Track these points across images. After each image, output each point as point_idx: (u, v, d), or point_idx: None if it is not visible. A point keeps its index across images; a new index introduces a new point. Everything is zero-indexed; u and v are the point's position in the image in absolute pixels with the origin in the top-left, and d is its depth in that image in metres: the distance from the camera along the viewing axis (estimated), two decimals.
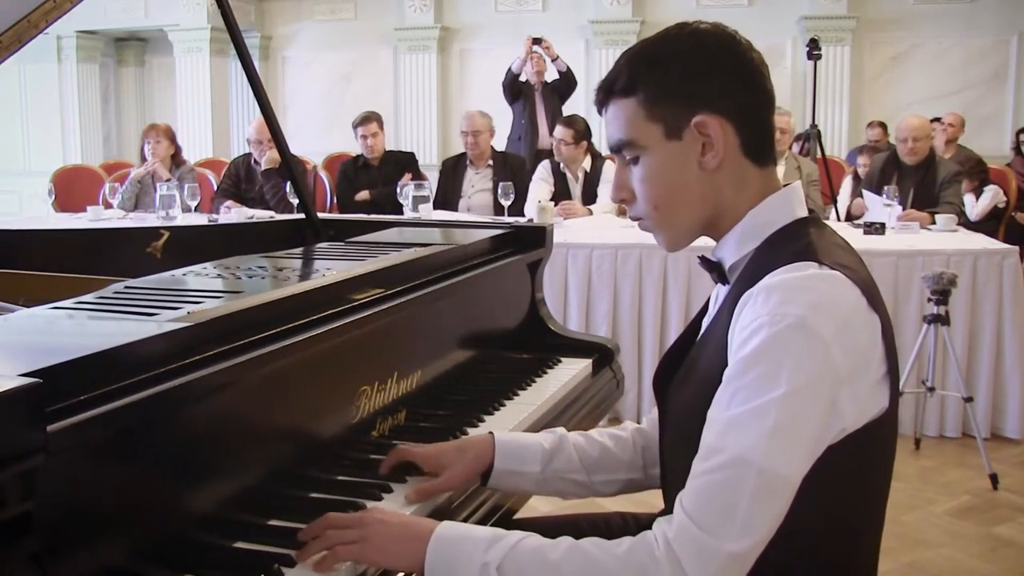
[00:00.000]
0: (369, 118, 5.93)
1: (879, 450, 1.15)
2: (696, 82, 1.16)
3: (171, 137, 5.92)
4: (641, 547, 1.03)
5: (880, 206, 4.77)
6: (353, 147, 6.48)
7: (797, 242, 1.14)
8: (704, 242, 1.25)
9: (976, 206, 5.96)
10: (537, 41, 6.69)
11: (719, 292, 1.27)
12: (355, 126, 5.94)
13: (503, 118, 6.77)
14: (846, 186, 6.14)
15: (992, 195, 6.02)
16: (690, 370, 1.22)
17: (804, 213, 1.20)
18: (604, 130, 1.26)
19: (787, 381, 1.02)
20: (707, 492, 1.03)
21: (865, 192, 5.17)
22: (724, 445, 1.03)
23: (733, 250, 1.21)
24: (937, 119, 6.65)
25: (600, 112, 1.24)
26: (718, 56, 1.17)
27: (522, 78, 6.71)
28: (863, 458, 1.12)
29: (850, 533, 1.17)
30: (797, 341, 1.03)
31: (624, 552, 1.03)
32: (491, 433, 1.42)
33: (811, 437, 1.04)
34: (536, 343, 2.14)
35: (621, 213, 4.99)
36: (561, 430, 1.44)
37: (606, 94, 1.22)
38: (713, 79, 1.16)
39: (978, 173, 6.01)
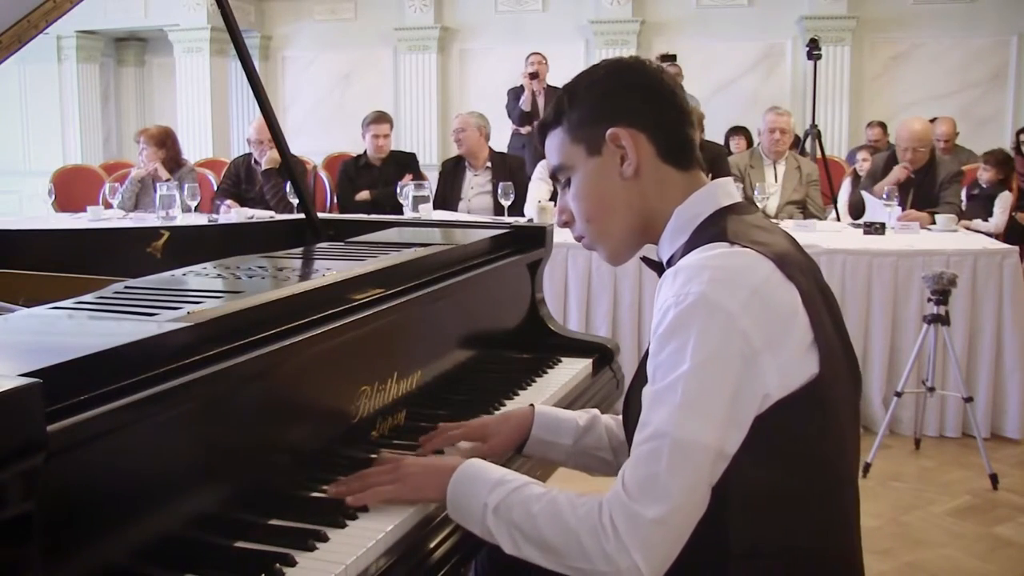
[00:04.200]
0: (383, 118, 5.92)
1: (817, 419, 1.17)
2: (608, 102, 1.29)
3: (160, 142, 5.78)
4: (595, 511, 1.13)
5: (880, 206, 4.77)
6: (353, 147, 6.47)
7: (714, 227, 1.23)
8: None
9: (995, 220, 5.86)
10: (533, 76, 6.64)
11: None
12: (367, 123, 5.89)
13: (503, 120, 6.77)
14: (846, 186, 6.13)
15: (1003, 204, 5.93)
16: (643, 370, 1.25)
17: (729, 202, 1.28)
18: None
19: (693, 356, 1.10)
20: (635, 464, 1.12)
21: (864, 193, 5.16)
22: (648, 419, 1.13)
23: (668, 246, 1.30)
24: (932, 119, 6.61)
25: (542, 147, 1.37)
26: (628, 78, 1.31)
27: (526, 109, 6.65)
28: (800, 427, 1.15)
29: (807, 507, 1.18)
30: (700, 317, 1.11)
31: (584, 513, 1.13)
32: (531, 405, 1.55)
33: (725, 405, 1.10)
34: (536, 343, 2.14)
35: None
36: (596, 411, 1.55)
37: (541, 129, 1.36)
38: (624, 98, 1.29)
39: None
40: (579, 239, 1.36)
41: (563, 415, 1.53)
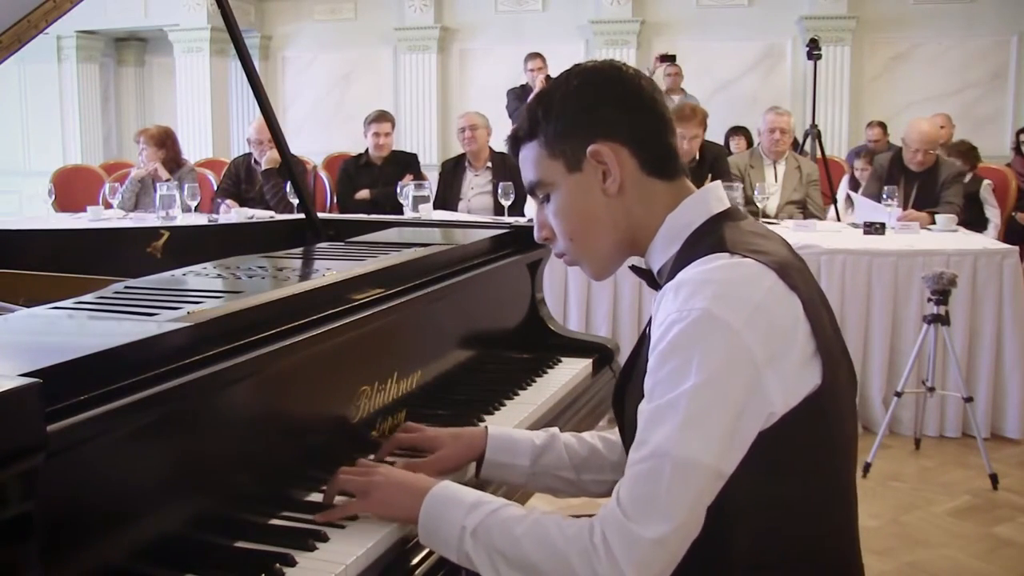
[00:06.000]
0: (384, 116, 5.94)
1: (820, 428, 1.15)
2: (585, 115, 1.23)
3: (160, 142, 5.77)
4: (586, 531, 1.09)
5: (874, 209, 4.76)
6: (353, 147, 6.46)
7: (710, 237, 1.19)
8: None
9: (989, 212, 5.80)
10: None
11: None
12: (368, 122, 5.91)
13: (503, 120, 6.77)
14: (843, 188, 6.12)
15: (986, 190, 5.87)
16: (636, 379, 1.24)
17: (721, 209, 1.24)
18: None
19: (697, 373, 1.07)
20: (633, 482, 1.09)
21: (853, 195, 5.15)
22: (647, 438, 1.09)
23: (659, 255, 1.26)
24: None
25: (516, 159, 1.32)
26: (604, 88, 1.24)
27: None
28: (804, 438, 1.13)
29: (812, 516, 1.18)
30: (705, 333, 1.08)
31: (573, 534, 1.10)
32: (486, 426, 1.48)
33: (728, 423, 1.08)
34: (536, 343, 2.14)
35: None
36: (554, 430, 1.49)
37: (514, 142, 1.31)
38: (601, 110, 1.23)
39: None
40: (560, 256, 1.32)
41: (518, 435, 1.47)
